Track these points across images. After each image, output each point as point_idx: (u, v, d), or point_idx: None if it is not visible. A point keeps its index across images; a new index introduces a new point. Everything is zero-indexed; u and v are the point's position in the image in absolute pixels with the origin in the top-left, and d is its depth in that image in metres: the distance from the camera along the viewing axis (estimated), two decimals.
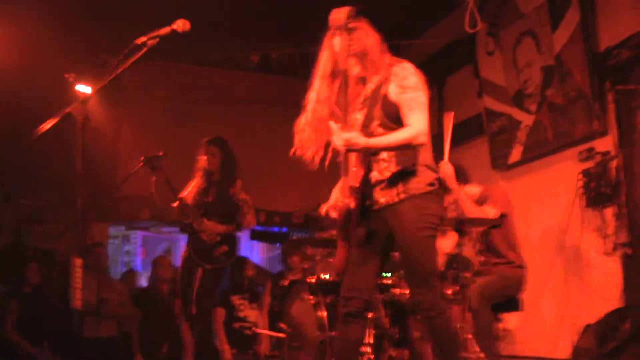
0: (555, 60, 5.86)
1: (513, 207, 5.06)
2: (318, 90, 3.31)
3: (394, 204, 3.22)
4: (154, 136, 7.94)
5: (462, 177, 5.05)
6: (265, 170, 8.39)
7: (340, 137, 3.06)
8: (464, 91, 7.45)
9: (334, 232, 5.87)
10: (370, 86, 3.30)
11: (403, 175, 3.21)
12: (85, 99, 2.93)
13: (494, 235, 4.92)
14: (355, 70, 3.28)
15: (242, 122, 8.70)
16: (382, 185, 3.24)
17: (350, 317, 3.30)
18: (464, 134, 7.49)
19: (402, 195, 3.20)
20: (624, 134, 5.37)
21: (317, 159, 3.34)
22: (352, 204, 3.22)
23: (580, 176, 5.63)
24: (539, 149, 6.17)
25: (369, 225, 3.30)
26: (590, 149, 5.59)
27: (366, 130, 3.21)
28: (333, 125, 3.15)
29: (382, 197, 3.25)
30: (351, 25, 3.15)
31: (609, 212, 5.41)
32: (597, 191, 5.46)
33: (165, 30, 2.99)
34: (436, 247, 3.29)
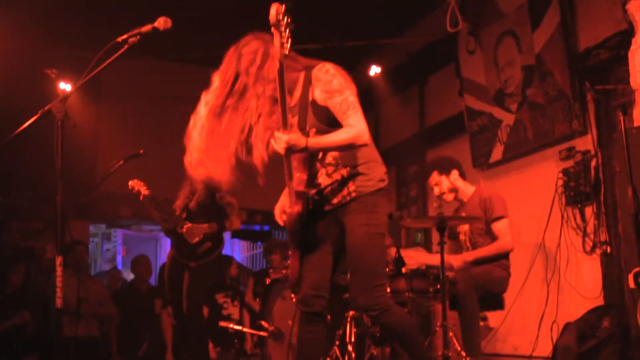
0: (536, 59, 5.89)
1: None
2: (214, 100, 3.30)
3: (345, 204, 3.22)
4: (135, 134, 7.91)
5: (445, 166, 5.08)
6: (246, 168, 8.37)
7: (280, 140, 3.00)
8: (446, 90, 7.45)
9: (287, 235, 5.92)
10: (295, 93, 3.25)
11: (352, 175, 3.21)
12: (64, 97, 2.91)
13: (484, 240, 4.96)
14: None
15: None
16: (333, 186, 3.24)
17: (316, 316, 3.24)
18: (445, 132, 7.53)
19: (354, 195, 3.20)
20: (604, 133, 5.41)
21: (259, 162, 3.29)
22: (298, 209, 3.19)
23: (561, 175, 5.65)
24: (520, 148, 6.19)
25: (320, 226, 3.29)
26: (570, 148, 5.62)
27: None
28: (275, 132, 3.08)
29: (333, 198, 3.24)
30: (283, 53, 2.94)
31: (589, 210, 5.44)
32: (576, 190, 5.49)
33: (146, 28, 2.98)
34: (383, 245, 3.27)
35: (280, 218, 3.42)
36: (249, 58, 3.20)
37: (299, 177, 3.22)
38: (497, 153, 6.49)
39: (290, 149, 3.01)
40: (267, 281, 5.56)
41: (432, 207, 7.30)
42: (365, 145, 3.10)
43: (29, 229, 7.91)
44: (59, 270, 2.79)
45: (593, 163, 5.41)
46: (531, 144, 6.05)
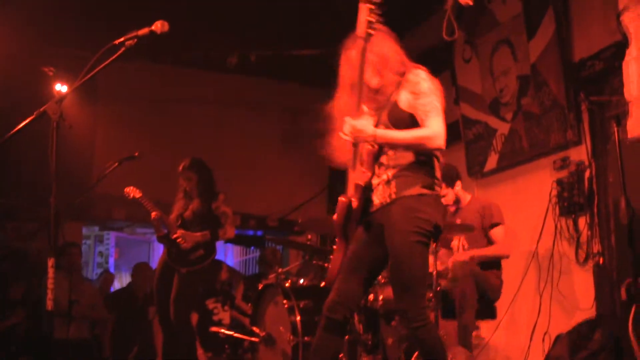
0: (531, 69, 5.90)
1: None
2: (343, 103, 3.23)
3: (386, 205, 3.16)
4: (131, 136, 7.89)
5: (452, 177, 5.18)
6: (241, 172, 8.37)
7: (348, 125, 3.00)
8: None
9: (309, 236, 5.92)
10: (385, 95, 3.24)
11: (397, 176, 3.16)
12: (60, 98, 2.92)
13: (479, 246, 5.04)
14: (373, 81, 3.21)
15: (220, 123, 8.70)
16: (379, 186, 3.20)
17: (335, 324, 3.17)
18: None
19: (394, 196, 3.14)
20: (598, 144, 5.41)
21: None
22: (355, 203, 3.15)
23: (555, 185, 5.66)
24: (515, 157, 6.20)
25: (366, 235, 3.25)
26: (565, 158, 5.63)
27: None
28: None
29: (377, 198, 3.20)
30: (368, 32, 3.02)
31: (582, 221, 5.43)
32: (570, 200, 5.49)
33: (143, 31, 3.00)
34: (426, 255, 3.17)
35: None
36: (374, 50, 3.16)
37: (362, 171, 3.18)
38: (492, 162, 6.50)
39: (356, 135, 3.00)
40: (260, 286, 5.56)
41: None
42: (438, 148, 3.08)
43: (24, 229, 7.89)
44: (50, 272, 2.79)
45: (587, 174, 5.42)
46: (526, 154, 6.06)
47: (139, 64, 7.50)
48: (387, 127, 3.13)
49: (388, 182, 3.16)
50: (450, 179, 5.17)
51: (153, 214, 5.60)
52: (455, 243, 5.21)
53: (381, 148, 3.18)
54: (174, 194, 5.92)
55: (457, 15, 6.48)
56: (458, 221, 5.16)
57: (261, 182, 8.64)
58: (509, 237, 5.29)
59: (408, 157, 3.15)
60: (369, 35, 2.97)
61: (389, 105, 3.19)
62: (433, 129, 3.05)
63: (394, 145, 3.13)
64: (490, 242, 5.06)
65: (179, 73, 8.48)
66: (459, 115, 6.93)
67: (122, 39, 2.95)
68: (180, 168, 5.77)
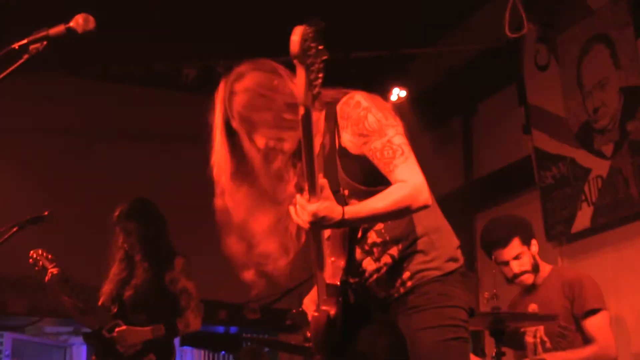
0: None
1: None
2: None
3: (399, 298, 3.22)
4: (37, 183, 7.86)
5: (528, 231, 5.26)
6: (204, 240, 8.27)
7: (304, 210, 2.97)
8: (504, 124, 7.47)
9: (308, 333, 5.85)
10: (315, 140, 3.18)
11: (406, 255, 3.20)
12: None
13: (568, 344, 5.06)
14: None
15: (171, 164, 8.69)
16: (380, 274, 3.23)
17: None
18: (502, 187, 7.52)
19: (409, 284, 3.20)
20: None
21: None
22: (330, 311, 3.16)
23: None
24: (618, 211, 6.17)
25: (364, 336, 3.31)
26: None
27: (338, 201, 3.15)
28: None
29: (381, 291, 3.25)
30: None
31: None
32: None
33: (57, 30, 2.97)
34: (468, 352, 3.25)
35: (310, 315, 3.40)
36: (243, 98, 3.24)
37: (333, 263, 3.20)
38: (584, 219, 6.47)
39: (319, 224, 2.97)
40: None
41: (482, 298, 7.25)
42: (425, 206, 3.08)
43: None
44: None
45: None
46: (636, 205, 6.02)
47: (52, 78, 7.50)
48: (352, 189, 3.18)
49: (394, 265, 3.22)
50: (527, 234, 5.19)
51: (47, 276, 5.56)
52: (530, 339, 5.19)
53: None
54: (105, 274, 5.88)
55: (527, 0, 6.51)
56: (533, 306, 5.12)
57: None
58: (613, 331, 5.25)
59: (410, 224, 3.23)
60: (315, 96, 2.95)
61: (334, 158, 3.23)
62: (410, 183, 3.06)
63: (371, 222, 3.19)
64: (585, 337, 5.04)
65: (110, 91, 8.49)
66: (530, 149, 6.95)
67: (24, 41, 2.93)
68: (116, 216, 5.77)
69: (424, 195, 3.05)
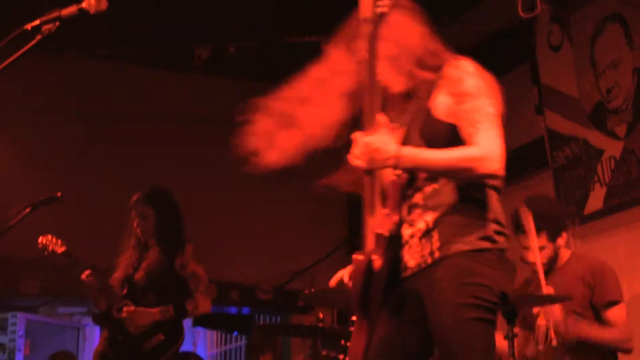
0: None
1: None
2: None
3: (426, 268, 3.14)
4: (47, 167, 7.88)
5: (558, 224, 5.20)
6: (217, 222, 8.33)
7: (359, 144, 3.00)
8: (517, 104, 7.43)
9: (320, 314, 5.87)
10: (415, 100, 3.24)
11: (441, 222, 3.13)
12: None
13: None
14: (395, 83, 3.23)
15: (184, 148, 8.68)
16: (413, 240, 3.17)
17: None
18: (517, 167, 7.47)
19: (438, 254, 3.12)
20: None
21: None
22: (377, 264, 3.10)
23: None
24: (631, 192, 6.18)
25: (399, 303, 3.24)
26: None
27: None
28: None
29: (411, 258, 3.18)
30: (378, 11, 3.03)
31: None
32: None
33: (70, 10, 2.95)
34: (491, 338, 3.15)
35: (344, 278, 3.39)
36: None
37: (386, 214, 3.16)
38: (596, 200, 6.48)
39: (373, 159, 2.99)
40: None
41: None
42: (492, 176, 3.06)
43: None
44: None
45: None
46: None
47: (64, 58, 7.50)
48: (418, 146, 3.12)
49: (427, 232, 3.14)
50: (554, 227, 5.14)
51: (84, 275, 5.60)
52: (542, 321, 5.11)
53: (412, 178, 3.18)
54: (116, 255, 5.92)
55: None
56: (549, 289, 5.11)
57: (248, 237, 8.60)
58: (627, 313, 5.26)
59: (454, 193, 3.15)
60: (381, 15, 2.96)
61: (419, 114, 3.19)
62: (484, 147, 3.01)
63: (428, 171, 3.13)
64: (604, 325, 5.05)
65: (124, 73, 8.49)
66: (543, 129, 6.97)
67: (37, 22, 2.92)
68: (133, 200, 5.83)
69: (495, 164, 3.00)
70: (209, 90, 8.69)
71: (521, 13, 6.49)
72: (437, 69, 3.19)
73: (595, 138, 6.48)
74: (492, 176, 3.05)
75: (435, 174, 3.11)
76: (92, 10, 2.96)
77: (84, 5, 2.96)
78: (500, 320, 5.08)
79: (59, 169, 7.86)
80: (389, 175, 3.16)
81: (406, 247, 3.18)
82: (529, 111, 7.15)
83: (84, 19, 2.98)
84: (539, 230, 5.10)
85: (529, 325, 5.19)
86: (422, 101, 3.19)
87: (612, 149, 6.33)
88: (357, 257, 3.14)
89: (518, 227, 5.12)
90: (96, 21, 3.02)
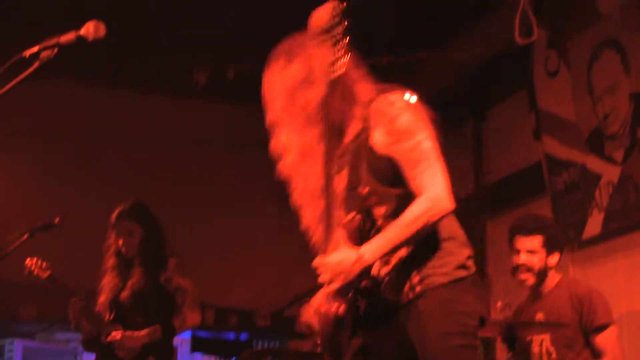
0: None
1: None
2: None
3: (408, 303, 3.17)
4: (45, 189, 7.87)
5: (561, 245, 5.21)
6: (214, 244, 8.30)
7: (324, 270, 3.06)
8: (514, 130, 7.46)
9: (319, 340, 5.86)
10: (350, 134, 3.28)
11: (417, 258, 3.16)
12: None
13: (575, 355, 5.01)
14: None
15: (180, 171, 8.68)
16: (390, 277, 3.20)
17: None
18: (515, 192, 7.50)
19: (419, 289, 3.15)
20: None
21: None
22: (338, 309, 3.16)
23: None
24: (629, 217, 6.16)
25: (371, 338, 3.26)
26: None
27: (352, 201, 3.19)
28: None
29: (391, 295, 3.21)
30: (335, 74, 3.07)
31: None
32: None
33: (68, 37, 2.98)
34: None
35: (313, 319, 3.42)
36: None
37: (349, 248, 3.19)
38: (595, 225, 6.46)
39: (342, 274, 3.04)
40: None
41: (495, 307, 7.22)
42: (447, 214, 3.09)
43: None
44: None
45: None
46: None
47: (62, 85, 7.50)
48: (374, 188, 3.16)
49: (403, 268, 3.18)
50: (550, 237, 5.12)
51: (70, 302, 5.60)
52: (536, 348, 5.16)
53: (371, 219, 3.21)
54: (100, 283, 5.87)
55: (536, 6, 6.50)
56: (539, 315, 5.14)
57: (246, 262, 8.59)
58: (625, 338, 5.25)
59: None
60: (339, 76, 3.00)
61: (362, 152, 3.22)
62: (431, 191, 3.06)
63: (395, 249, 3.14)
64: (594, 351, 5.02)
65: (118, 98, 8.49)
66: (541, 154, 6.96)
67: (35, 49, 2.94)
68: (115, 216, 5.75)
69: (445, 202, 3.05)
70: (208, 116, 8.69)
71: (518, 39, 6.50)
72: (367, 102, 3.23)
73: (593, 163, 6.46)
74: (448, 214, 3.10)
75: (402, 246, 3.13)
76: (90, 37, 2.98)
77: (82, 32, 2.98)
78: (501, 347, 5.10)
79: (56, 194, 7.85)
80: (341, 220, 3.20)
81: (383, 285, 3.21)
82: (526, 136, 7.15)
83: (82, 45, 3.00)
84: (535, 232, 5.11)
85: (524, 353, 5.19)
86: (360, 139, 3.23)
87: (610, 174, 6.31)
88: (322, 309, 3.22)
89: (517, 229, 5.15)
90: (94, 47, 3.03)
